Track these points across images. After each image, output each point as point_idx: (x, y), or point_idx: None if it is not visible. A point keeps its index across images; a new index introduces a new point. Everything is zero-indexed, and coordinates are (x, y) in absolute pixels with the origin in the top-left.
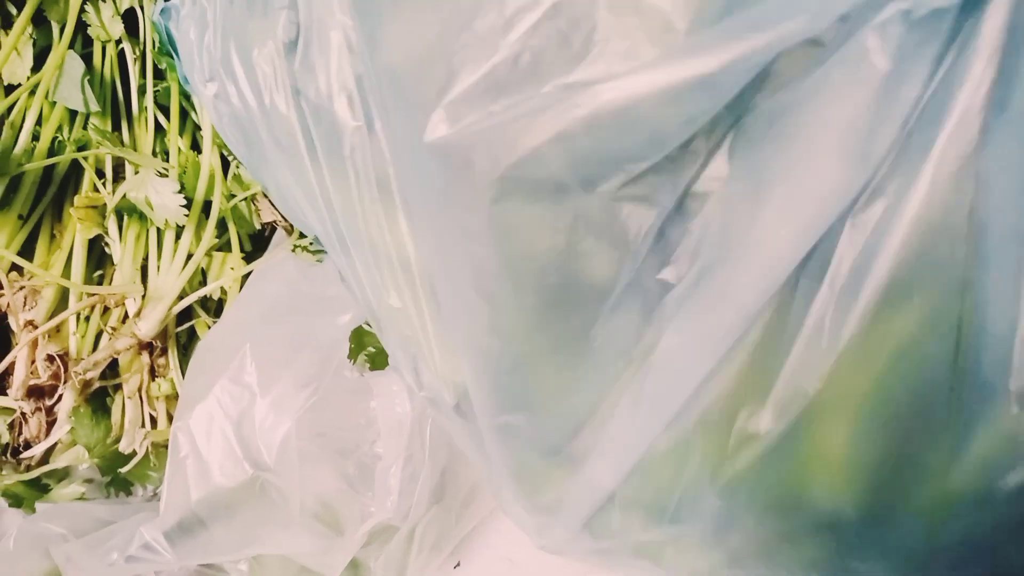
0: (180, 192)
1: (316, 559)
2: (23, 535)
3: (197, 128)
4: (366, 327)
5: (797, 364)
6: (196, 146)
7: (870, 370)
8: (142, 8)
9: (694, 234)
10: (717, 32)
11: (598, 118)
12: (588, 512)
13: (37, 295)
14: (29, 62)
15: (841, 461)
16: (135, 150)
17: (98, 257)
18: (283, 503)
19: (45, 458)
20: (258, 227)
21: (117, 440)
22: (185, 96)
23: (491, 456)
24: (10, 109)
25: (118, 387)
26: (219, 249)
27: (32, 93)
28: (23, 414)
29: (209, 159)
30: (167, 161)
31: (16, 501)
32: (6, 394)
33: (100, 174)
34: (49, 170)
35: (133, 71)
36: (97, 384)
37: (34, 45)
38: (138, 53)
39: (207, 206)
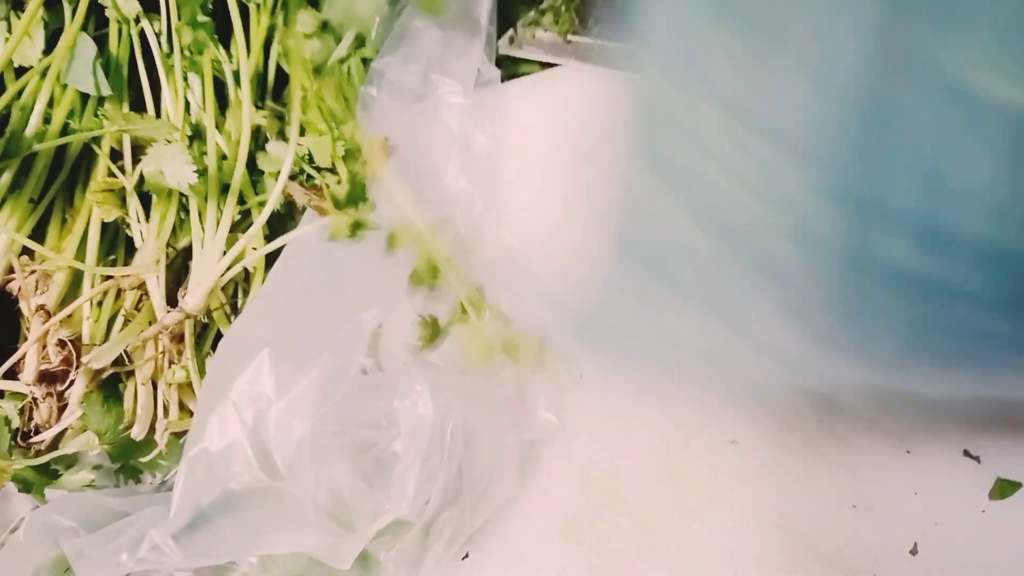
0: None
1: (326, 552)
2: (32, 525)
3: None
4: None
5: None
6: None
7: None
8: None
9: None
10: None
11: None
12: None
13: (49, 279)
14: (40, 44)
15: None
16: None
17: (110, 241)
18: (296, 508)
19: (55, 444)
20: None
21: (128, 427)
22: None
23: None
24: (21, 92)
25: (130, 374)
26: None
27: (44, 76)
28: (34, 399)
29: (248, 132)
30: (203, 141)
31: (26, 486)
32: (17, 379)
33: (117, 157)
34: (61, 154)
35: (156, 48)
36: (110, 370)
37: (46, 27)
38: (159, 29)
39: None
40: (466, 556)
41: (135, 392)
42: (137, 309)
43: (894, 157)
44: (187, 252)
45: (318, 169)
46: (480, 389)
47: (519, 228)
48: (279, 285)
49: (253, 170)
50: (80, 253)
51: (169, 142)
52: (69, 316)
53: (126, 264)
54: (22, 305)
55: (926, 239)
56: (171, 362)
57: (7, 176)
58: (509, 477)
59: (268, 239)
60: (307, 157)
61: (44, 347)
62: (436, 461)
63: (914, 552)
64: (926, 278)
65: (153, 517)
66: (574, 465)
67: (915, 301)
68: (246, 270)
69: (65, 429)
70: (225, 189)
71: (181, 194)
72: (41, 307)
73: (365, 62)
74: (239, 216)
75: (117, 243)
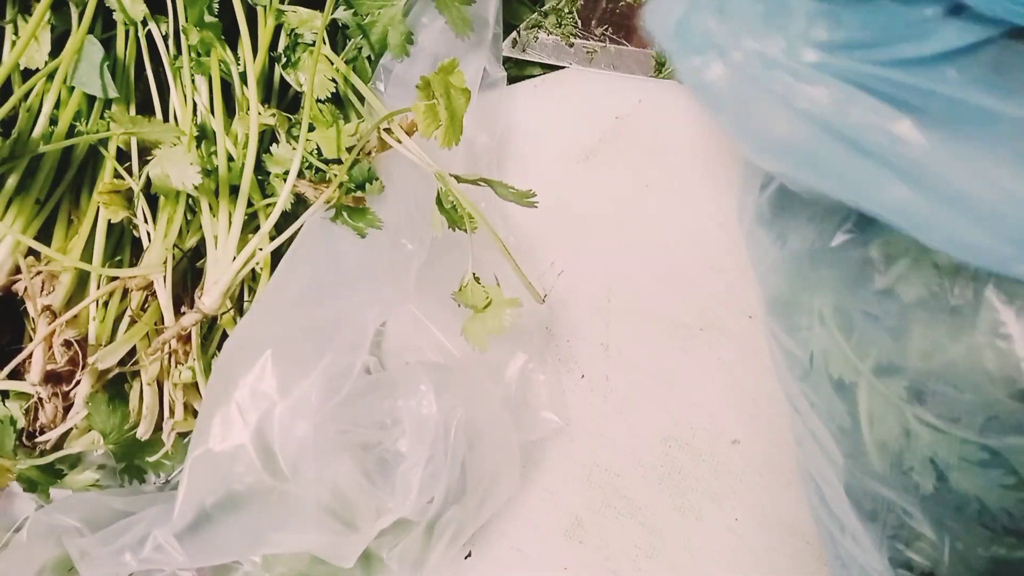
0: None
1: (329, 551)
2: (36, 525)
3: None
4: None
5: None
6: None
7: None
8: None
9: None
10: None
11: None
12: None
13: (55, 280)
14: (47, 47)
15: None
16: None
17: (116, 242)
18: (299, 507)
19: (59, 444)
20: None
21: (133, 427)
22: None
23: None
24: (28, 94)
25: (136, 374)
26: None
27: (51, 78)
28: (39, 399)
29: (256, 131)
30: (211, 141)
31: (30, 486)
32: (23, 379)
33: (124, 158)
34: (67, 155)
35: (163, 50)
36: (116, 371)
37: (53, 30)
38: (166, 31)
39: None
40: (469, 555)
41: (140, 392)
42: (143, 310)
43: None
44: (194, 253)
45: (327, 162)
46: (483, 389)
47: (520, 228)
48: (283, 286)
49: (259, 170)
50: (86, 254)
51: (175, 144)
52: (75, 317)
53: (132, 265)
54: (28, 306)
55: None
56: (177, 363)
57: (14, 177)
58: (512, 477)
59: (273, 238)
60: (315, 151)
61: (50, 347)
62: (439, 461)
63: None
64: None
65: (157, 517)
66: (576, 465)
67: None
68: (252, 270)
69: (70, 429)
70: (235, 189)
71: (188, 195)
72: (47, 308)
73: (371, 59)
74: (247, 216)
75: (123, 244)
